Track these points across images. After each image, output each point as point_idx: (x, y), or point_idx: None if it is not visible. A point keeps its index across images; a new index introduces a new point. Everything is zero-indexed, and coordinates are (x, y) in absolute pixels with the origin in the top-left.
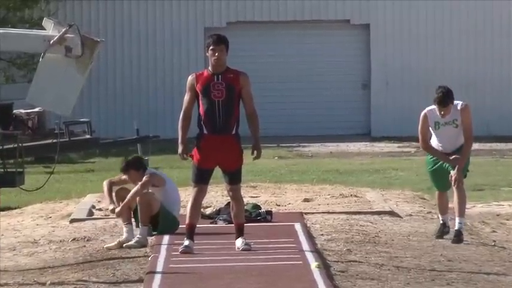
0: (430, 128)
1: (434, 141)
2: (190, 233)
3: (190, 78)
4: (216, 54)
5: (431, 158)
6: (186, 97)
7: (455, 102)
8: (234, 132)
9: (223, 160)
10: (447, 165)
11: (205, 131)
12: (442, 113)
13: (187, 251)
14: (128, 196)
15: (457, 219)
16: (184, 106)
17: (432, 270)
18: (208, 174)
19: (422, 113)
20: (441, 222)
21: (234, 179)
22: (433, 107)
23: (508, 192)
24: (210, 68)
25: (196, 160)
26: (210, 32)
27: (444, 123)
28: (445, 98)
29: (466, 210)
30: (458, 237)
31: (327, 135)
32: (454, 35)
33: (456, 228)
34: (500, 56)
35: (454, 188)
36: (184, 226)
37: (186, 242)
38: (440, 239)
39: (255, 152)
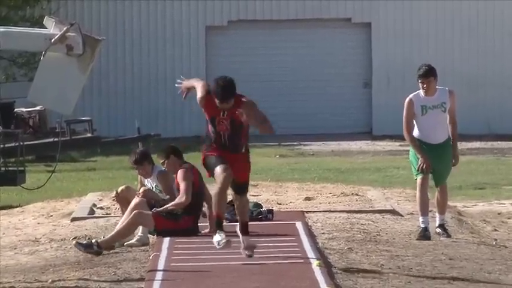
0: (416, 116)
1: (416, 132)
2: (219, 223)
3: (200, 96)
4: (225, 106)
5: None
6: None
7: (441, 87)
8: (243, 150)
9: (232, 164)
10: (432, 155)
11: (214, 144)
12: (425, 86)
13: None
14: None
15: (438, 217)
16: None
17: (433, 268)
18: (225, 160)
19: (407, 99)
20: (422, 226)
21: (242, 189)
22: (417, 92)
23: (510, 191)
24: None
25: (209, 153)
26: (211, 31)
27: (432, 106)
28: (428, 71)
29: (466, 209)
30: (446, 232)
31: (328, 134)
32: (456, 33)
33: (439, 223)
34: (501, 55)
35: (437, 188)
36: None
37: (219, 236)
38: (425, 240)
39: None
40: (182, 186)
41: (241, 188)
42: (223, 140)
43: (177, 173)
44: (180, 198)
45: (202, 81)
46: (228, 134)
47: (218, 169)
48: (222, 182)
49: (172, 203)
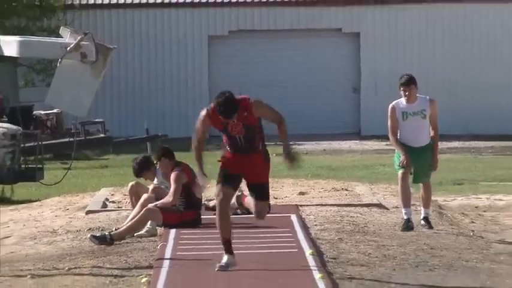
0: (398, 122)
1: (399, 136)
2: (227, 247)
3: (203, 115)
4: (229, 121)
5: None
6: (199, 129)
7: (422, 95)
8: (260, 148)
9: (249, 171)
10: (413, 156)
11: (230, 150)
12: (407, 93)
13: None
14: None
15: (423, 210)
16: (197, 136)
17: (416, 257)
18: (236, 178)
19: (390, 106)
20: (405, 217)
21: (261, 192)
22: (399, 99)
23: (486, 187)
24: None
25: (224, 165)
26: (213, 40)
27: (412, 113)
28: (409, 80)
29: (446, 203)
30: (429, 224)
31: (320, 134)
32: (437, 42)
33: (423, 216)
34: (479, 60)
35: (421, 185)
36: None
37: (225, 259)
38: (409, 231)
39: (287, 158)
40: (172, 188)
41: (259, 191)
42: (239, 141)
43: (170, 173)
44: (168, 198)
45: (196, 128)
46: (243, 136)
47: (216, 189)
48: (218, 205)
49: (161, 201)
